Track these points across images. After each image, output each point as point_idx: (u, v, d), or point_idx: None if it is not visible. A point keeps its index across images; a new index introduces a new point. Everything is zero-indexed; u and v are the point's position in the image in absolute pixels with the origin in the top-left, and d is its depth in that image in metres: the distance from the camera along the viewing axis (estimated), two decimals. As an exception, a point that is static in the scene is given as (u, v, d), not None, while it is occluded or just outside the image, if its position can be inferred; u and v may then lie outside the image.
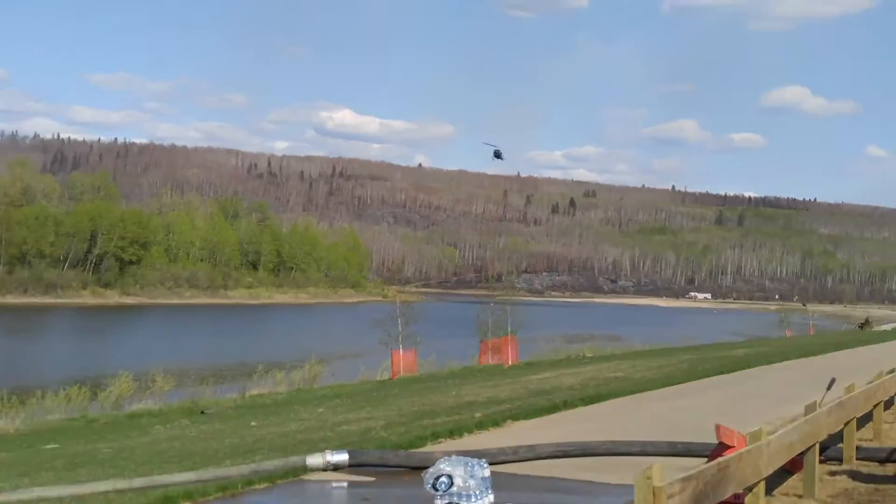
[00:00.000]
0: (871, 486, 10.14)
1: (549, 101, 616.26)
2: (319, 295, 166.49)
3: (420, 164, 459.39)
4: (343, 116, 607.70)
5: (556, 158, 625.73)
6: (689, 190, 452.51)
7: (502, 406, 17.45)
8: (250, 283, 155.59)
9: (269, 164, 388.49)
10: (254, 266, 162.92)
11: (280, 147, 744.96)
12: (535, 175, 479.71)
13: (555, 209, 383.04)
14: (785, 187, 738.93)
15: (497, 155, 77.87)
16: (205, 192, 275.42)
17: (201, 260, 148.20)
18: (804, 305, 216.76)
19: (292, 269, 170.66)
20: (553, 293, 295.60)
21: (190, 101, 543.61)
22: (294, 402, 24.28)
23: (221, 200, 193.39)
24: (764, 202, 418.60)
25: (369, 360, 43.11)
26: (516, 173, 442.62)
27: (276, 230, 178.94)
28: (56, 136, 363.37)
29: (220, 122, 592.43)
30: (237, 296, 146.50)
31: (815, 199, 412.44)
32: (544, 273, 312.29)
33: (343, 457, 10.60)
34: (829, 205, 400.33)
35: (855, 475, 10.66)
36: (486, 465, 7.51)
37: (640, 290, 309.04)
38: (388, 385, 29.98)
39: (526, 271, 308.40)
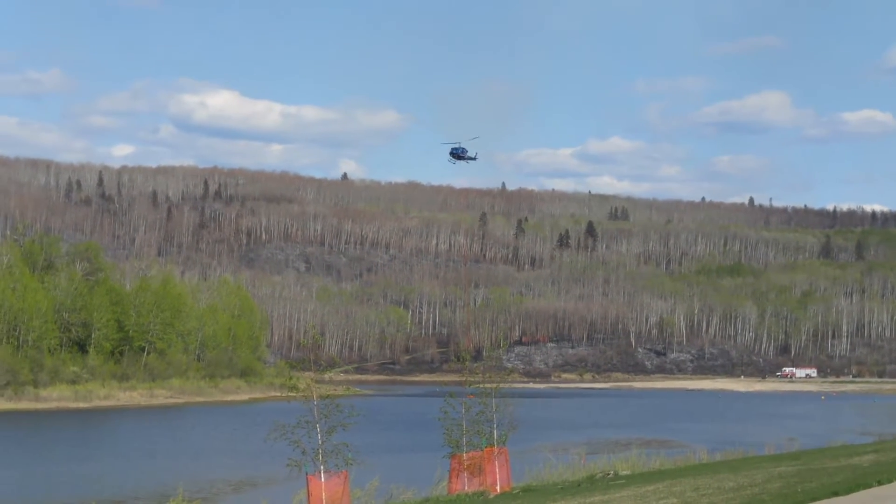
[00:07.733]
0: None
1: (549, 69, 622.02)
2: (189, 391, 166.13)
3: (345, 176, 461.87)
4: (222, 102, 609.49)
5: (564, 160, 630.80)
6: (778, 204, 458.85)
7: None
8: (76, 374, 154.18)
9: (102, 181, 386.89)
10: (81, 347, 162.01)
11: (119, 154, 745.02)
12: (531, 188, 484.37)
13: (563, 241, 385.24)
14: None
15: (458, 154, 77.02)
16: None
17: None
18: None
19: (143, 350, 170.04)
20: (565, 375, 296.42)
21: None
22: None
23: (24, 241, 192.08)
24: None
25: (272, 493, 43.26)
26: (500, 185, 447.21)
27: (114, 288, 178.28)
28: None
29: (19, 116, 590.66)
30: (55, 396, 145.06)
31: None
32: (549, 344, 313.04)
33: None
34: None
35: None
36: None
37: (702, 368, 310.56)
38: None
39: (521, 342, 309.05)
